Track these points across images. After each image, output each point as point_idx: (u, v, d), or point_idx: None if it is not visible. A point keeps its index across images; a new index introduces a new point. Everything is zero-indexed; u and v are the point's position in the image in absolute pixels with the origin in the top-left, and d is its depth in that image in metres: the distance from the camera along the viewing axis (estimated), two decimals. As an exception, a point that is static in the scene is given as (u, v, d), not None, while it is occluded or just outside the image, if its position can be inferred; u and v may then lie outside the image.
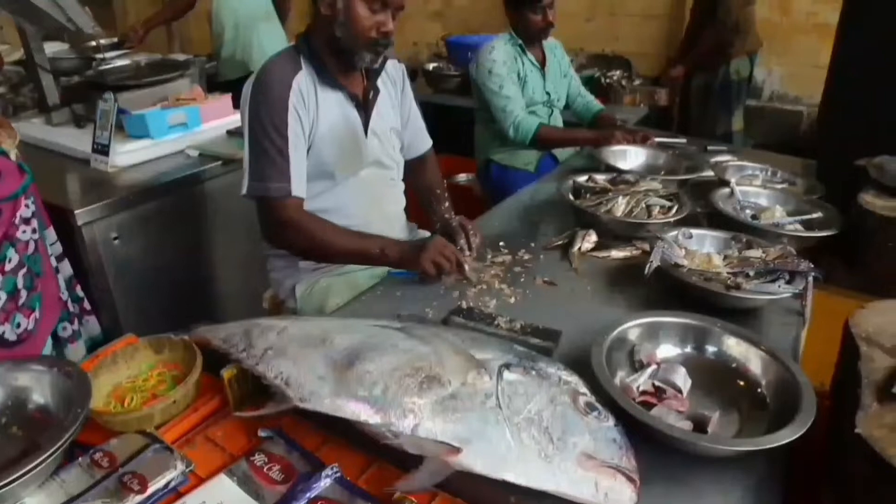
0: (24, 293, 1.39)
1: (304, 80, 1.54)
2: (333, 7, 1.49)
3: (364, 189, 1.69)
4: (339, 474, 0.92)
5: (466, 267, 1.50)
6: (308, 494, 0.89)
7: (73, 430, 0.93)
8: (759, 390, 1.09)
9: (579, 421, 0.89)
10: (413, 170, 1.92)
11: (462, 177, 3.90)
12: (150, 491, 0.90)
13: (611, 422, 0.92)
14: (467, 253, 1.53)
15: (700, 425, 1.01)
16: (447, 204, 1.74)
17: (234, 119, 2.39)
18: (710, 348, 1.18)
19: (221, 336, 1.14)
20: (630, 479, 0.85)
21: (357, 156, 1.66)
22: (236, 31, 3.51)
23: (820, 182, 2.10)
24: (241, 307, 2.24)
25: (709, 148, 2.70)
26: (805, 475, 1.08)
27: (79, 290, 1.67)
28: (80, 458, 0.96)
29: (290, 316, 1.19)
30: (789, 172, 2.23)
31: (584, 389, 0.97)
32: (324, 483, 0.91)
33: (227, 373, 1.07)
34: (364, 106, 1.66)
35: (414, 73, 4.40)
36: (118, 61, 2.66)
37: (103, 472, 0.94)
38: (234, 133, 2.35)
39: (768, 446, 0.91)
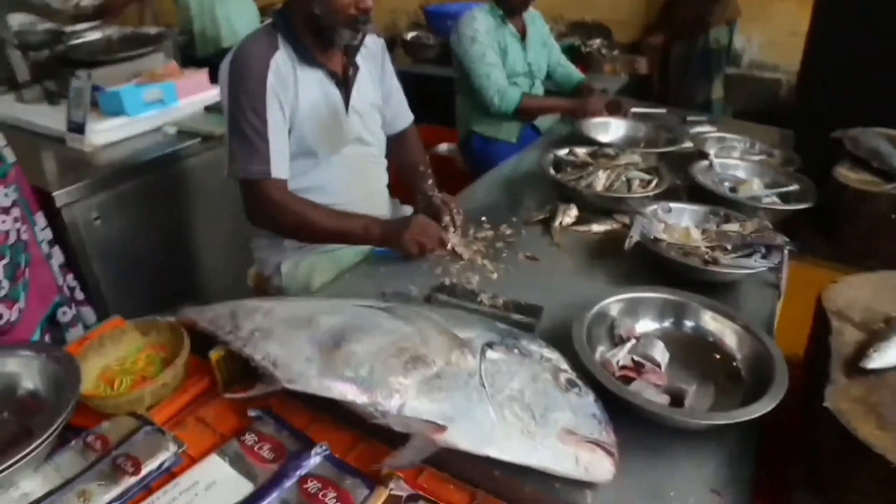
0: (4, 284, 1.38)
1: (282, 60, 1.53)
2: None
3: (346, 167, 1.69)
4: (328, 452, 0.95)
5: (450, 245, 1.52)
6: (299, 472, 0.92)
7: (65, 414, 0.94)
8: (734, 364, 1.13)
9: (560, 397, 0.92)
10: (395, 146, 1.92)
11: (443, 147, 3.87)
12: (143, 472, 0.92)
13: (591, 397, 0.95)
14: (452, 230, 1.55)
15: (677, 399, 1.05)
16: (431, 181, 1.75)
17: (212, 94, 2.37)
18: (688, 323, 1.21)
19: (208, 317, 1.15)
20: (609, 453, 0.89)
21: (339, 133, 1.66)
22: (200, 5, 3.43)
23: (797, 153, 2.14)
24: (226, 285, 2.25)
25: (688, 118, 2.72)
26: (778, 446, 1.12)
27: (70, 279, 1.66)
28: (73, 442, 0.98)
29: (275, 297, 1.19)
30: (767, 143, 2.26)
31: (564, 366, 1.00)
32: (314, 461, 0.93)
33: (214, 354, 1.08)
34: (344, 83, 1.66)
35: (393, 43, 4.34)
36: (88, 35, 2.60)
37: (97, 455, 0.95)
38: (211, 109, 2.33)
39: (738, 420, 0.95)
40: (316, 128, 1.60)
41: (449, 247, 1.53)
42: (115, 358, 1.17)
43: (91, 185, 1.87)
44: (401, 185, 1.94)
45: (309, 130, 1.59)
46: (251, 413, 1.04)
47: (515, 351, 0.97)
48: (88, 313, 1.70)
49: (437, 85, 3.48)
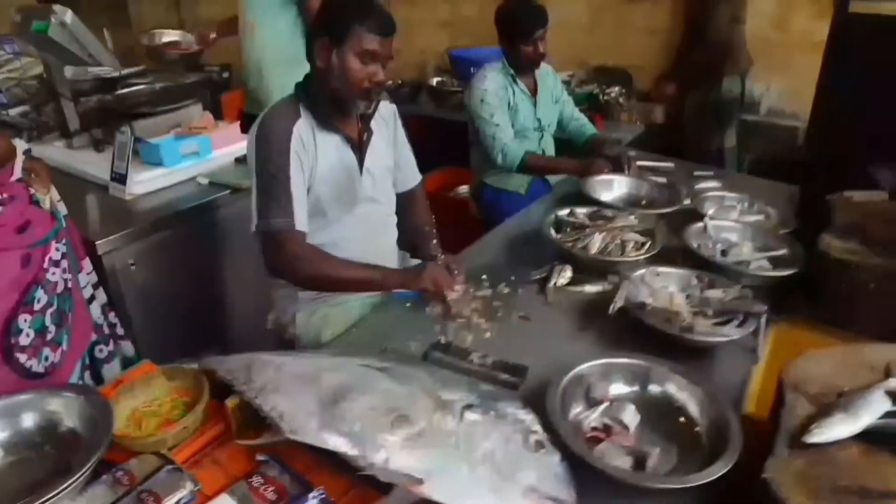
0: (52, 329, 1.56)
1: (303, 127, 1.67)
2: (328, 62, 1.63)
3: (359, 224, 1.82)
4: (324, 496, 1.08)
5: (452, 296, 1.65)
6: (297, 513, 1.06)
7: (100, 452, 1.10)
8: (696, 429, 1.24)
9: (528, 457, 1.04)
10: (402, 206, 2.03)
11: (462, 189, 4.01)
12: (163, 508, 1.06)
13: (556, 458, 1.07)
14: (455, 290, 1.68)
15: (641, 460, 1.16)
16: (435, 242, 1.88)
17: (242, 146, 2.51)
18: (657, 388, 1.32)
19: (226, 368, 1.29)
20: (568, 509, 1.00)
21: (352, 193, 1.79)
22: (258, 69, 3.24)
23: (801, 211, 2.21)
24: (250, 327, 2.37)
25: (695, 173, 2.81)
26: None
27: (112, 317, 1.84)
28: (104, 476, 1.13)
29: (287, 352, 1.34)
30: (770, 201, 2.34)
31: (536, 427, 1.12)
32: (311, 503, 1.07)
33: (230, 402, 1.23)
34: (359, 146, 1.79)
35: (418, 89, 4.54)
36: (134, 83, 2.79)
37: (124, 489, 1.10)
38: (241, 160, 2.49)
39: (689, 484, 1.06)
40: (332, 188, 1.74)
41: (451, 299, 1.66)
42: (144, 401, 1.33)
43: (129, 234, 2.05)
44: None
45: (324, 191, 1.73)
46: (259, 457, 1.18)
47: (492, 413, 1.10)
48: (128, 347, 1.88)
49: (460, 129, 3.63)
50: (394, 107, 1.95)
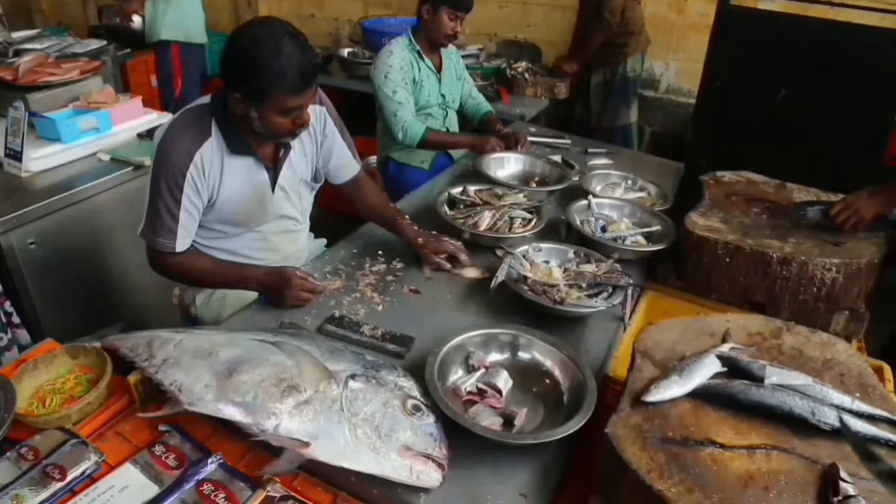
0: None
1: (208, 151, 1.61)
2: (247, 115, 1.55)
3: (266, 238, 1.85)
4: (222, 461, 1.19)
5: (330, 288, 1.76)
6: (197, 477, 1.16)
7: (2, 431, 1.17)
8: (559, 389, 1.41)
9: (404, 420, 1.18)
10: (350, 193, 2.02)
11: (372, 159, 3.98)
12: (68, 478, 1.14)
13: (431, 419, 1.21)
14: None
15: (509, 420, 1.32)
16: (407, 219, 1.95)
17: (145, 121, 2.52)
18: (526, 354, 1.49)
19: (128, 345, 1.36)
20: (439, 465, 1.15)
21: (261, 212, 1.79)
22: None
23: (678, 192, 2.42)
24: (154, 302, 2.42)
25: (589, 150, 3.01)
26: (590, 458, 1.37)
27: (7, 306, 1.84)
28: (8, 453, 1.19)
29: (187, 328, 1.41)
30: (654, 179, 2.55)
31: (415, 393, 1.26)
32: (210, 468, 1.18)
33: (133, 378, 1.32)
34: (273, 165, 1.74)
35: (330, 59, 4.54)
36: (27, 55, 2.71)
37: (29, 464, 1.17)
38: (143, 136, 2.49)
39: (542, 440, 1.23)
40: (239, 207, 1.72)
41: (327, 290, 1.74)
42: (47, 379, 1.38)
43: (28, 213, 2.04)
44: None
45: (230, 211, 1.72)
46: (162, 428, 1.28)
47: (373, 381, 1.23)
48: (23, 335, 1.88)
49: (371, 99, 3.67)
50: (323, 109, 1.84)
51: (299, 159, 1.81)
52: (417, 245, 1.90)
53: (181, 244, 1.66)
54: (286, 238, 1.92)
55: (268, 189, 1.76)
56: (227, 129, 1.63)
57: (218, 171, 1.64)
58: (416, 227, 1.95)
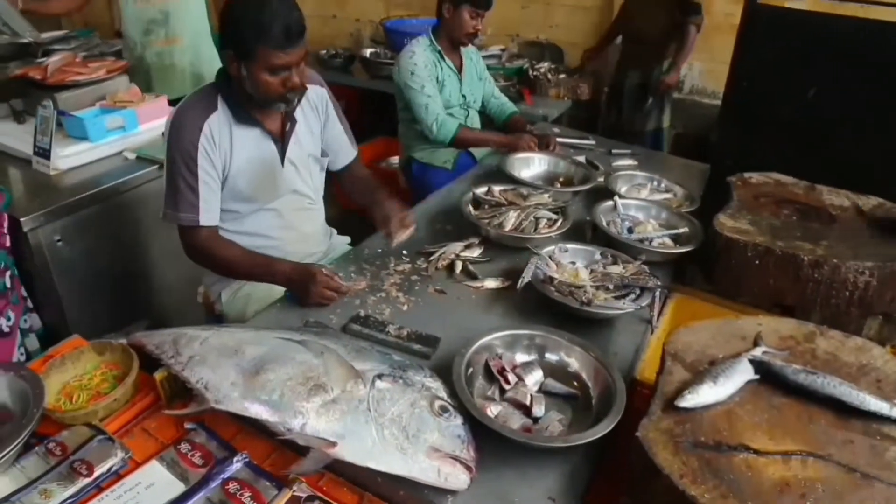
0: (10, 293, 1.60)
1: (216, 122, 1.67)
2: (239, 73, 1.62)
3: (281, 215, 1.87)
4: (247, 459, 1.19)
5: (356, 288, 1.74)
6: (222, 476, 1.15)
7: (31, 426, 1.17)
8: (588, 392, 1.39)
9: (431, 421, 1.16)
10: (344, 178, 2.09)
11: (394, 160, 4.02)
12: (95, 474, 1.14)
13: (458, 420, 1.20)
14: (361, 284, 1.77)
15: (537, 422, 1.30)
16: (383, 193, 1.96)
17: (171, 120, 2.54)
18: (554, 356, 1.47)
19: (154, 342, 1.36)
20: (467, 467, 1.13)
21: (273, 186, 1.82)
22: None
23: (705, 193, 2.39)
24: (179, 299, 2.43)
25: (613, 151, 2.98)
26: (620, 461, 1.35)
27: (22, 291, 1.87)
28: (36, 448, 1.20)
29: (213, 326, 1.41)
30: (679, 180, 2.52)
31: (442, 394, 1.24)
32: (235, 466, 1.17)
33: (159, 375, 1.32)
34: (281, 138, 1.80)
35: (352, 59, 4.55)
36: (55, 55, 2.74)
37: (57, 460, 1.17)
38: (169, 135, 2.50)
39: (572, 444, 1.20)
40: (250, 180, 1.76)
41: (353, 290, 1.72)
42: (74, 375, 1.39)
43: (55, 210, 2.06)
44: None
45: (243, 183, 1.75)
46: (187, 425, 1.27)
47: (400, 381, 1.22)
48: (35, 319, 1.92)
49: (393, 100, 3.68)
50: (324, 91, 1.93)
51: (305, 134, 1.86)
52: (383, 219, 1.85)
53: (205, 217, 1.70)
54: (302, 216, 1.95)
55: (277, 162, 1.81)
56: (232, 102, 1.70)
57: (228, 141, 1.70)
58: (394, 204, 1.90)
